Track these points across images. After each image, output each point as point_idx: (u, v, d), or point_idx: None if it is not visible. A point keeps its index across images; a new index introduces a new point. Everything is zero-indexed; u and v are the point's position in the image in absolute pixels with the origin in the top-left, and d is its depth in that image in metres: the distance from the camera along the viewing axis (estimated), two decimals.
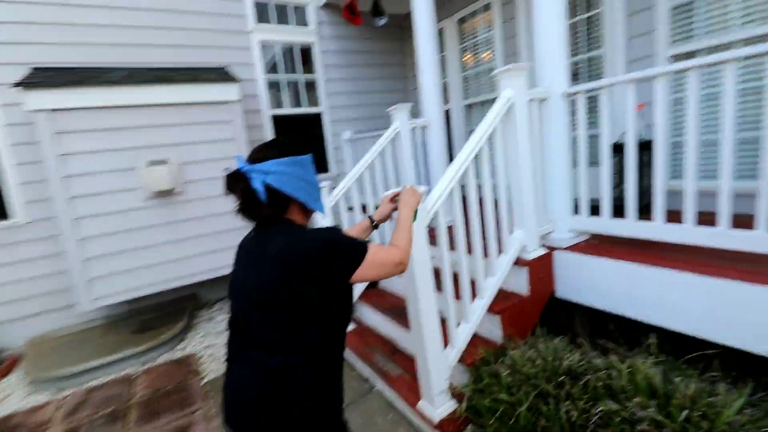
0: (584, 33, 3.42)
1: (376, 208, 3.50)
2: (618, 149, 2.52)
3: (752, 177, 2.45)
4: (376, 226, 1.52)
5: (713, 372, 1.60)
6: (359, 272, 1.04)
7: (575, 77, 3.52)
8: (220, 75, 3.95)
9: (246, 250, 1.12)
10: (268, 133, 4.75)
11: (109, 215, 3.37)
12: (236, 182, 1.03)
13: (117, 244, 3.40)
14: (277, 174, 1.03)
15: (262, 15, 4.65)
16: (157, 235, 3.57)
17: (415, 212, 1.39)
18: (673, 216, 1.96)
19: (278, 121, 4.82)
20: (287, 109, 4.93)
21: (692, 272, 1.83)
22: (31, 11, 3.51)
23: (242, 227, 3.99)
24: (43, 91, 3.06)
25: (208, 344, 3.38)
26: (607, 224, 2.22)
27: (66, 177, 3.19)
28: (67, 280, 3.45)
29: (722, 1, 2.56)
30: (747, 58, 1.62)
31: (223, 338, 3.45)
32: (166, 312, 3.84)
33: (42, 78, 3.20)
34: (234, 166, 1.06)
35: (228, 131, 3.88)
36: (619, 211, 2.23)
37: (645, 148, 2.61)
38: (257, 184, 1.01)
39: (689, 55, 2.74)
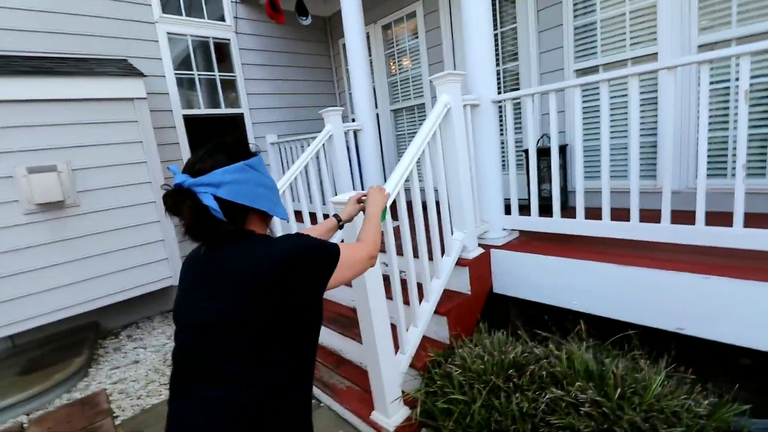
0: (502, 46, 3.69)
1: (311, 215, 3.40)
2: (538, 153, 2.75)
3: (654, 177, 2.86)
4: (341, 226, 1.49)
5: (634, 350, 1.81)
6: (336, 275, 0.97)
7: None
8: (121, 68, 3.48)
9: (197, 272, 0.95)
10: (181, 136, 4.30)
11: None
12: (181, 201, 0.86)
13: None
14: (230, 185, 0.89)
15: (168, 4, 4.20)
16: (45, 255, 3.01)
17: (384, 211, 1.42)
18: (591, 212, 2.18)
19: (192, 122, 4.39)
20: (203, 110, 4.52)
21: (609, 262, 2.05)
22: None
23: (154, 241, 3.55)
24: None
25: (118, 379, 2.92)
26: (535, 222, 2.40)
27: None
28: None
29: (614, 25, 2.94)
30: (647, 72, 1.87)
31: (137, 370, 3.01)
32: (60, 345, 3.23)
33: None
34: (169, 180, 0.90)
35: (133, 132, 3.44)
36: (543, 209, 2.43)
37: (559, 152, 2.88)
38: (209, 201, 0.86)
39: (590, 70, 3.10)
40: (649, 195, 2.70)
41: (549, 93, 2.20)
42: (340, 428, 2.11)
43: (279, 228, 2.99)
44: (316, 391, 2.35)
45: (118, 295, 3.36)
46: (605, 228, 2.11)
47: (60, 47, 3.52)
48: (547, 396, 1.65)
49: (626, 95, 2.81)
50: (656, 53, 2.72)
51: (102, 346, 3.49)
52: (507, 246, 2.50)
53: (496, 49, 3.68)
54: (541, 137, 3.33)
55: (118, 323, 3.85)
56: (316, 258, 0.94)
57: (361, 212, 1.51)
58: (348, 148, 3.49)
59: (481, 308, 2.45)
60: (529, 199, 2.41)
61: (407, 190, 1.98)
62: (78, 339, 3.33)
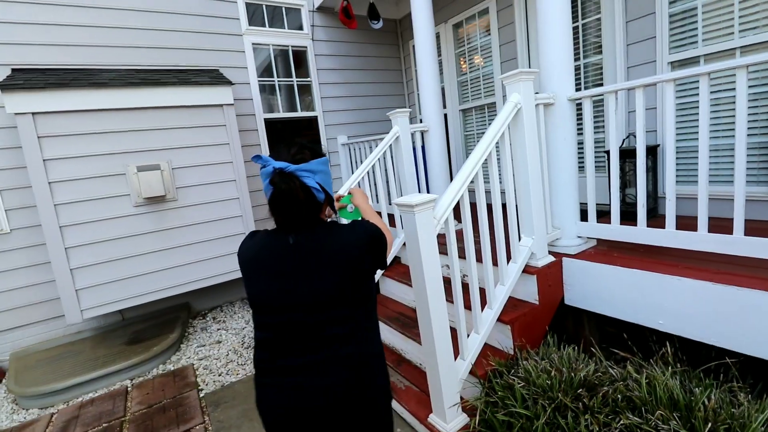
0: (583, 39, 3.43)
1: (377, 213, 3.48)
2: (622, 154, 2.51)
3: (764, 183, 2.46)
4: None
5: (732, 382, 1.58)
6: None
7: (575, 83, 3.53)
8: (212, 78, 3.86)
9: (286, 258, 1.05)
10: (262, 138, 4.66)
11: (98, 223, 3.24)
12: (290, 181, 1.01)
13: (106, 253, 3.27)
14: (321, 174, 1.08)
15: (254, 17, 4.56)
16: (149, 242, 3.45)
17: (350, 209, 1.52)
18: (685, 222, 1.95)
19: (272, 125, 4.73)
20: (281, 114, 4.84)
21: (705, 280, 1.81)
22: (10, 11, 3.36)
23: (237, 234, 3.87)
24: (23, 93, 2.93)
25: (204, 356, 3.26)
26: (616, 231, 2.20)
27: (50, 183, 3.06)
28: (54, 291, 3.29)
29: (720, 9, 2.58)
30: (759, 63, 1.62)
31: (219, 349, 3.33)
32: (158, 322, 3.70)
33: (22, 80, 3.06)
34: (255, 166, 1.09)
35: (222, 135, 3.79)
36: (625, 216, 2.21)
37: (648, 153, 2.61)
38: (311, 182, 1.04)
39: (689, 61, 2.75)
40: (762, 204, 2.34)
41: (636, 89, 2.00)
42: (398, 427, 2.14)
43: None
44: None
45: (206, 281, 3.74)
46: (701, 241, 1.86)
47: (163, 60, 4.01)
48: (621, 421, 1.51)
49: (733, 89, 2.45)
50: None
51: (191, 325, 3.92)
52: (582, 255, 2.33)
53: (577, 43, 3.43)
54: (627, 137, 3.03)
55: (205, 306, 4.29)
56: (383, 239, 1.16)
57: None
58: (414, 149, 3.50)
59: (549, 320, 2.31)
60: (609, 205, 2.22)
61: (471, 192, 1.93)
62: (173, 317, 3.78)
